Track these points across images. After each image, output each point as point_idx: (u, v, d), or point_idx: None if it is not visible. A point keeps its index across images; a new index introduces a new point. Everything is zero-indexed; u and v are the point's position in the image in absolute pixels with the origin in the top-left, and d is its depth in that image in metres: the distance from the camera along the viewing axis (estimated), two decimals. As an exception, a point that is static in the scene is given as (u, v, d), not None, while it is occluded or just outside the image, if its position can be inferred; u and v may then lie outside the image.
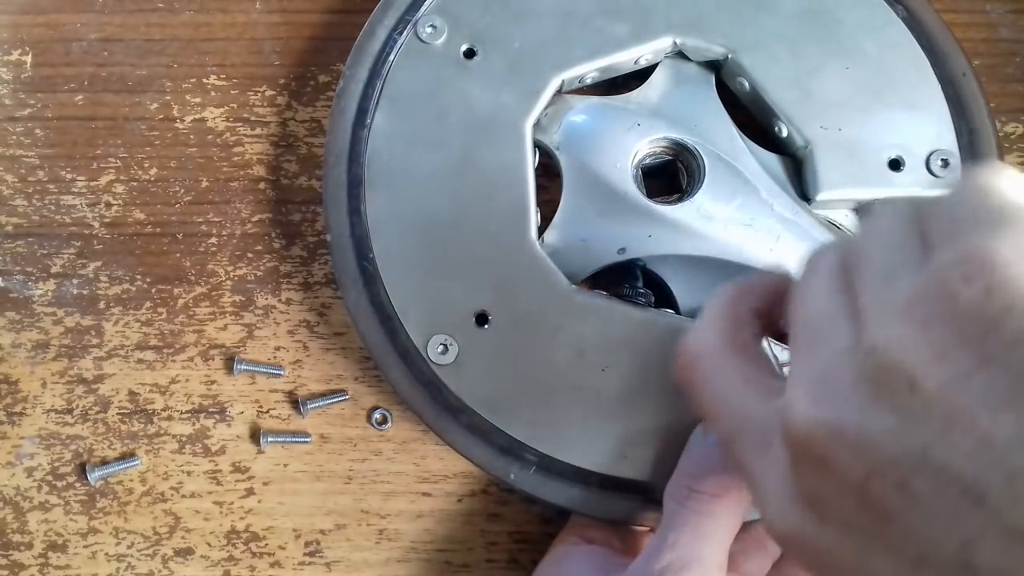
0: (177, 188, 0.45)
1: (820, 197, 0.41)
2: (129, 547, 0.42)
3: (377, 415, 0.42)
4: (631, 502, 0.38)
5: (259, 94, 0.46)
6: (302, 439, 0.42)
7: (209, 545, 0.42)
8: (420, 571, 0.42)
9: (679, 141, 0.42)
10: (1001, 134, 0.44)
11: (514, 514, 0.42)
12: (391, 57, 0.42)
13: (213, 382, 0.43)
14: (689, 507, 0.33)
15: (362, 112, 0.41)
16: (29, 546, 0.42)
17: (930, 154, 0.41)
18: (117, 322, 0.44)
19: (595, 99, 0.43)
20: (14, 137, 0.46)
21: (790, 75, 0.42)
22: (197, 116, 0.46)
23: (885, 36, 0.42)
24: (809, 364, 0.24)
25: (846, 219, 0.43)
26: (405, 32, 0.42)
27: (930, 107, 0.42)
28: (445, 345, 0.39)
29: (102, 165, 0.45)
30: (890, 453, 0.22)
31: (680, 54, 0.43)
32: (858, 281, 0.24)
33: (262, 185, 0.45)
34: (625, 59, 0.42)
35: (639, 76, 0.44)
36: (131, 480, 0.42)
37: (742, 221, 0.40)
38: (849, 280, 0.25)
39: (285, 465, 0.42)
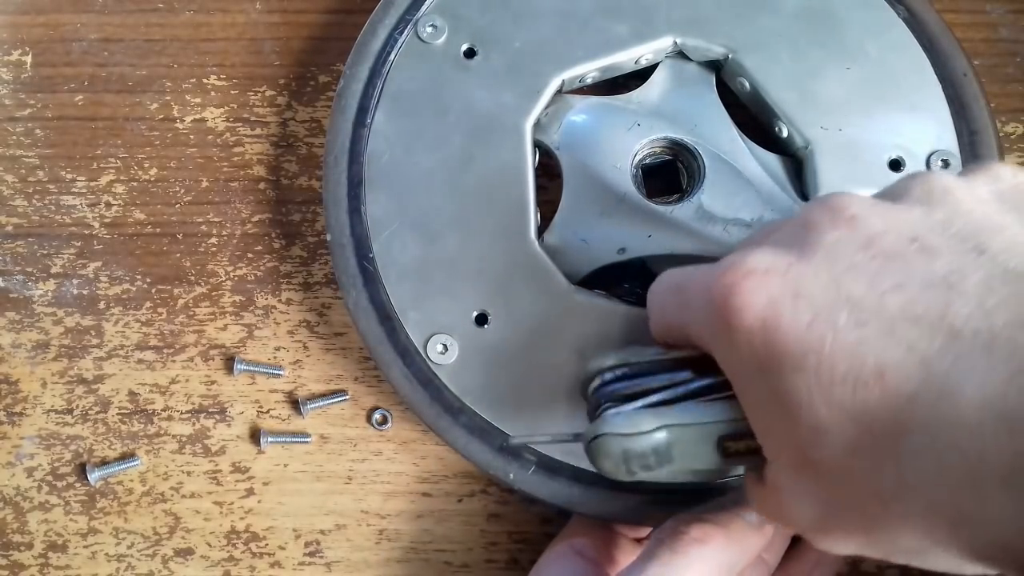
0: (177, 188, 0.45)
1: (820, 197, 0.41)
2: (129, 547, 0.42)
3: (377, 415, 0.42)
4: (630, 502, 0.38)
5: (259, 94, 0.46)
6: (302, 439, 0.42)
7: (209, 545, 0.42)
8: (420, 571, 0.42)
9: (679, 141, 0.42)
10: (1001, 134, 0.44)
11: (514, 514, 0.42)
12: (391, 57, 0.42)
13: (213, 382, 0.43)
14: (666, 544, 0.32)
15: (362, 112, 0.41)
16: (29, 546, 0.42)
17: (930, 155, 0.41)
18: (117, 322, 0.44)
19: (595, 99, 0.43)
20: (14, 137, 0.46)
21: (791, 75, 0.42)
22: (197, 116, 0.46)
23: (886, 37, 0.42)
24: None
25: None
26: (405, 32, 0.42)
27: (931, 108, 0.42)
28: (445, 345, 0.39)
29: (102, 165, 0.45)
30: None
31: (680, 54, 0.43)
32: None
33: (262, 185, 0.45)
34: (625, 59, 0.42)
35: (639, 76, 0.44)
36: (131, 480, 0.42)
37: (742, 221, 0.40)
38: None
39: (285, 465, 0.42)
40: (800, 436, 0.26)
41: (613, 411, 0.31)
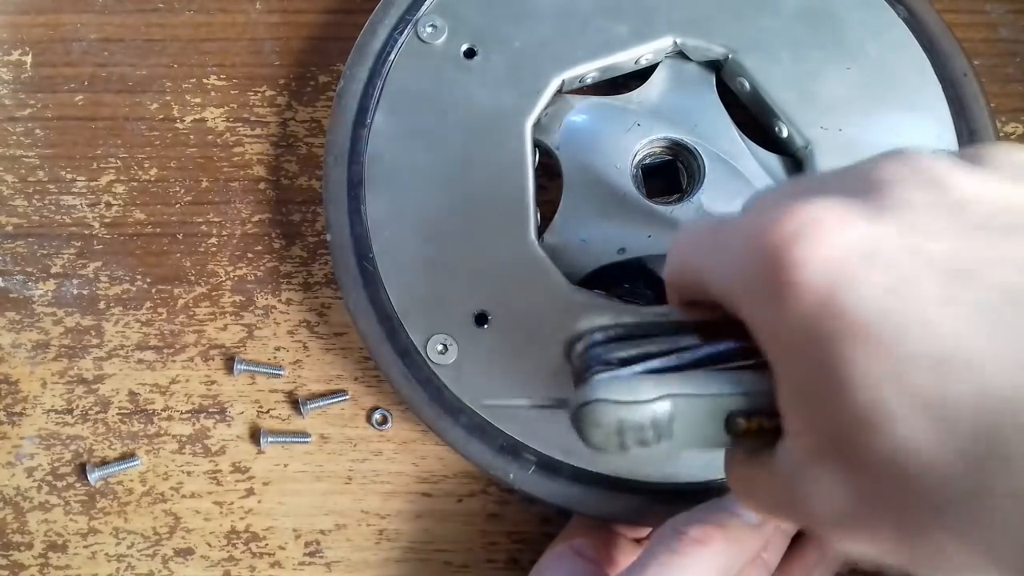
0: (177, 188, 0.45)
1: (820, 197, 0.41)
2: (129, 547, 0.42)
3: (377, 415, 0.42)
4: (631, 502, 0.38)
5: (259, 94, 0.46)
6: (302, 439, 0.42)
7: (209, 545, 0.42)
8: (420, 571, 0.42)
9: (679, 141, 0.42)
10: (1001, 134, 0.44)
11: (514, 514, 0.42)
12: (391, 57, 0.42)
13: (213, 382, 0.43)
14: (665, 544, 0.32)
15: (362, 112, 0.41)
16: (29, 546, 0.42)
17: (930, 154, 0.41)
18: (117, 322, 0.44)
19: (595, 99, 0.43)
20: (14, 137, 0.46)
21: (791, 75, 0.42)
22: (197, 116, 0.46)
23: (886, 37, 0.42)
24: None
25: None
26: (405, 32, 0.42)
27: (930, 108, 0.42)
28: (445, 345, 0.39)
29: (102, 165, 0.45)
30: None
31: (681, 54, 0.43)
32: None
33: (262, 185, 0.45)
34: (626, 59, 0.42)
35: (639, 76, 0.44)
36: (131, 480, 0.42)
37: (742, 221, 0.40)
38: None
39: (285, 465, 0.42)
40: (849, 416, 0.22)
41: (607, 374, 0.26)
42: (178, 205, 0.45)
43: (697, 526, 0.32)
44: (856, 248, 0.23)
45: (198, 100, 0.46)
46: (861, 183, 0.24)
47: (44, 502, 0.42)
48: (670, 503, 0.37)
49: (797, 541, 0.39)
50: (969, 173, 0.24)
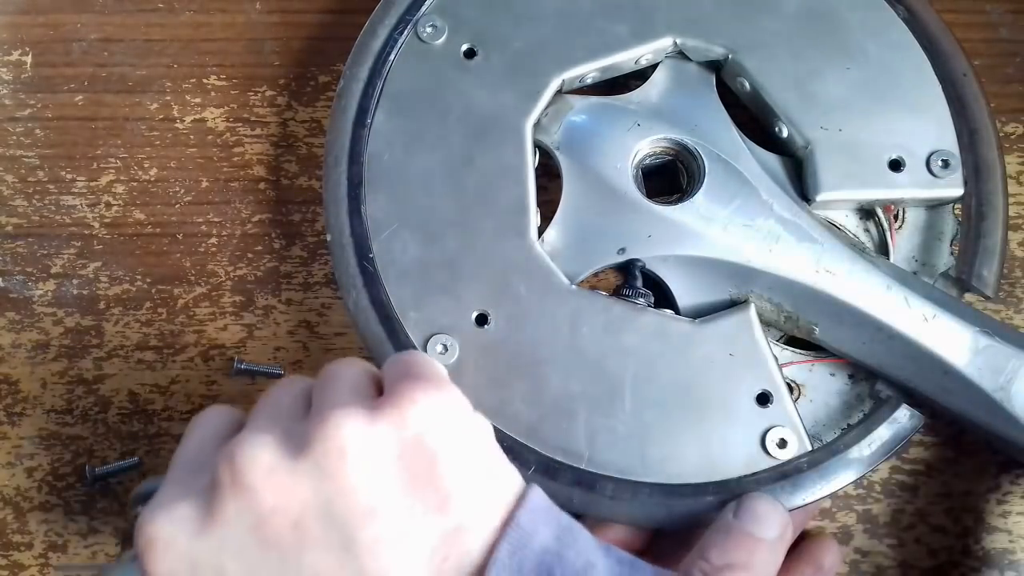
0: (177, 188, 0.45)
1: (820, 198, 0.41)
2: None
3: (377, 415, 0.42)
4: (631, 503, 0.38)
5: (259, 94, 0.46)
6: (302, 439, 0.42)
7: (209, 545, 0.42)
8: (420, 571, 0.41)
9: (679, 141, 0.42)
10: (1001, 134, 0.44)
11: (514, 514, 0.42)
12: (391, 57, 0.42)
13: (213, 383, 0.43)
14: None
15: (362, 112, 0.41)
16: (29, 546, 0.42)
17: (930, 154, 0.41)
18: (117, 322, 0.44)
19: (595, 99, 0.43)
20: (14, 137, 0.46)
21: (791, 75, 0.42)
22: (197, 116, 0.46)
23: (886, 37, 0.42)
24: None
25: (846, 220, 0.43)
26: (405, 32, 0.42)
27: (930, 107, 0.42)
28: (445, 345, 0.39)
29: (102, 165, 0.45)
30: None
31: (681, 54, 0.43)
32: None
33: (262, 185, 0.45)
34: (626, 59, 0.42)
35: (639, 76, 0.44)
36: (131, 480, 0.42)
37: (742, 221, 0.40)
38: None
39: (285, 465, 0.42)
40: None
41: None
42: (178, 205, 0.45)
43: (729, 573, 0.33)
44: (181, 565, 0.28)
45: (198, 100, 0.46)
46: (207, 486, 0.29)
47: (44, 502, 0.42)
48: (669, 503, 0.37)
49: (794, 551, 0.39)
50: (278, 479, 0.28)
